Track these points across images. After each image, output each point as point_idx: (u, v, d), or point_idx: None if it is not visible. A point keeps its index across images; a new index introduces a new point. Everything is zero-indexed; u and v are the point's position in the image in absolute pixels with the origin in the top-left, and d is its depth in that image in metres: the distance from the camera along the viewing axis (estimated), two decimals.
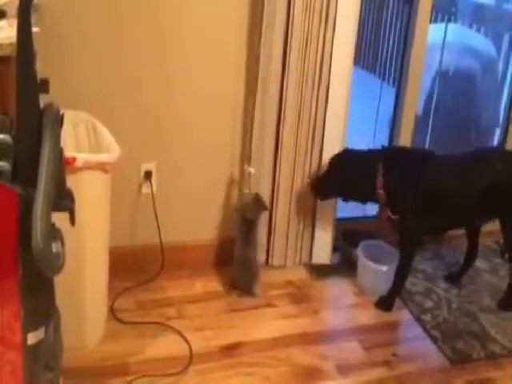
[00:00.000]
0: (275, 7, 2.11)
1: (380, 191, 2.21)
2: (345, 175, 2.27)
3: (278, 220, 2.42)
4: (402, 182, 2.21)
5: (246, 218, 2.28)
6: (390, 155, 2.28)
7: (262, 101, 2.24)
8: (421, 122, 3.23)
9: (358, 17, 2.24)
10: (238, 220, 2.33)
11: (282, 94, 2.24)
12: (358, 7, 2.23)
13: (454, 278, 2.50)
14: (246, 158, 2.37)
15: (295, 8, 2.13)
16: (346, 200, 2.39)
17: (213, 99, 2.28)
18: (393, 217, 2.26)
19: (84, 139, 2.01)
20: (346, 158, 2.31)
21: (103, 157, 1.79)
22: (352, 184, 2.27)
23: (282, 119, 2.28)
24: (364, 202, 2.36)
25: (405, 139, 2.69)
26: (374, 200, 2.27)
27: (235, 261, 2.33)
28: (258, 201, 2.30)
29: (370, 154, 2.29)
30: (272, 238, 2.45)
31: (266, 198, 2.37)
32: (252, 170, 2.31)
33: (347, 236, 2.63)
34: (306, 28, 2.17)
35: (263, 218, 2.37)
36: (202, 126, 2.30)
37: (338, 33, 2.21)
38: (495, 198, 2.19)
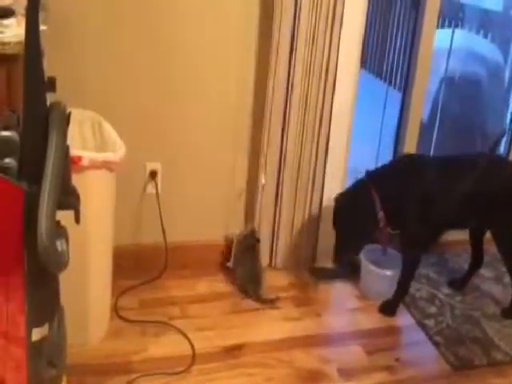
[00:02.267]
0: (282, 9, 2.12)
1: (380, 214, 2.19)
2: (350, 223, 2.24)
3: (281, 223, 2.42)
4: (398, 194, 2.18)
5: (249, 244, 2.35)
6: (376, 176, 2.24)
7: (269, 102, 2.25)
8: (426, 128, 3.22)
9: (364, 19, 2.24)
10: (239, 248, 2.37)
11: (287, 96, 2.25)
12: (365, 10, 2.24)
13: (458, 284, 2.48)
14: (253, 167, 2.39)
15: (301, 13, 2.13)
16: (357, 252, 2.36)
17: (219, 99, 2.28)
18: (393, 232, 2.26)
19: (90, 138, 2.01)
20: (341, 208, 2.28)
21: (109, 156, 1.79)
22: (360, 226, 2.24)
23: (287, 119, 2.28)
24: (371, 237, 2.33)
25: (410, 144, 2.68)
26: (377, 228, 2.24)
27: (241, 274, 2.35)
28: (253, 232, 2.37)
29: (358, 188, 2.26)
30: (276, 241, 2.45)
31: (271, 202, 2.37)
32: (263, 181, 2.35)
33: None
34: (312, 31, 2.17)
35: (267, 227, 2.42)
36: (208, 126, 2.31)
37: (343, 36, 2.22)
38: (485, 206, 2.18)
